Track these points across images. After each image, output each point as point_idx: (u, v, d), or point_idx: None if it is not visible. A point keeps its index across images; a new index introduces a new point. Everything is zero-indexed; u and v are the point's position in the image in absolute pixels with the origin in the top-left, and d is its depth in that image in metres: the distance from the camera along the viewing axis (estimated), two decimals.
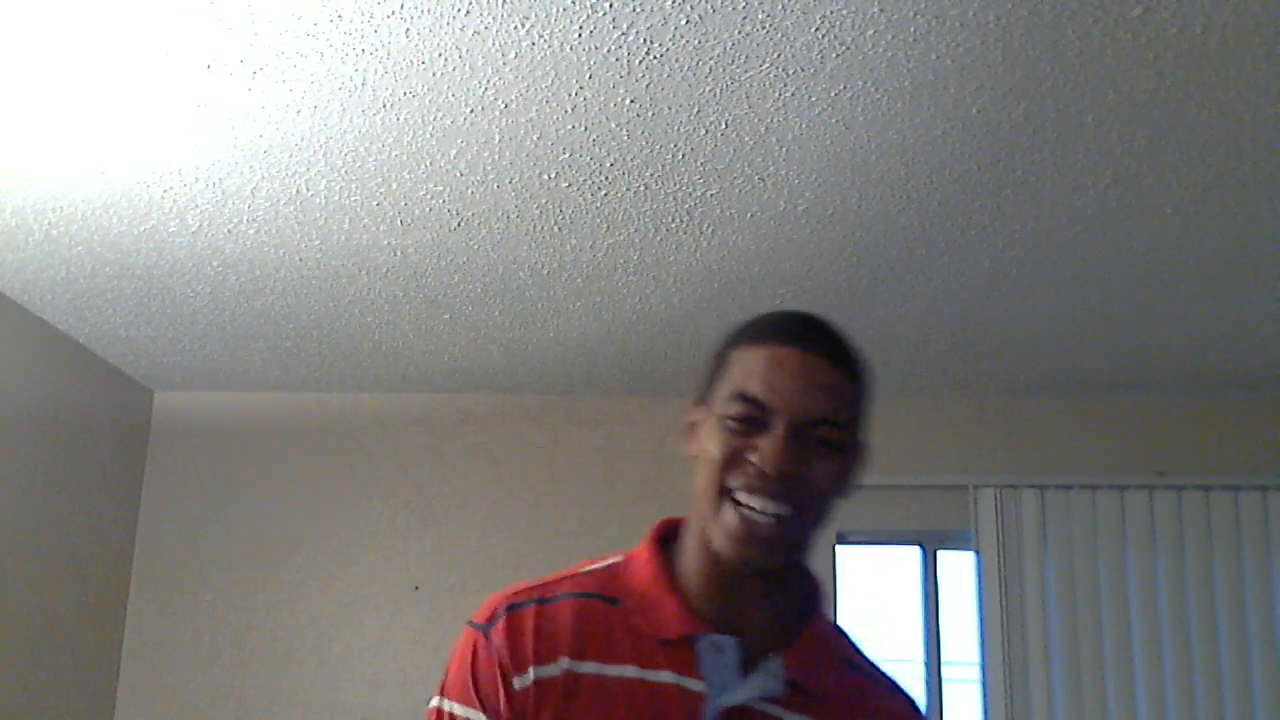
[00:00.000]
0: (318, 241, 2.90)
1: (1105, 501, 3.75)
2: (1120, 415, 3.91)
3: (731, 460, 1.09)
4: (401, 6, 1.98)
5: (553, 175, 2.55)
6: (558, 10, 1.98)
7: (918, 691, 1.23)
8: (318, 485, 4.02)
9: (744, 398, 1.10)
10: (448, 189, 2.62)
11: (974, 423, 3.94)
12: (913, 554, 3.94)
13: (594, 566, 1.21)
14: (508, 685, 1.10)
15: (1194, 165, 2.45)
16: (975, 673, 3.72)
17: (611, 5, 1.97)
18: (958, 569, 3.90)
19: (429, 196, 2.65)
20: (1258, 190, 2.55)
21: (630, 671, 1.10)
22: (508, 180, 2.57)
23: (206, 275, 3.11)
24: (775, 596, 1.15)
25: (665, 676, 1.09)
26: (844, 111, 2.28)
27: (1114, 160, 2.44)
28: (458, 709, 1.12)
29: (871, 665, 1.22)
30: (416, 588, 3.91)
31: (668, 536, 1.22)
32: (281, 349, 3.66)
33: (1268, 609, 3.64)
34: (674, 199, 2.65)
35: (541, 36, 2.05)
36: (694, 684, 1.09)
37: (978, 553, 3.75)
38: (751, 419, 1.09)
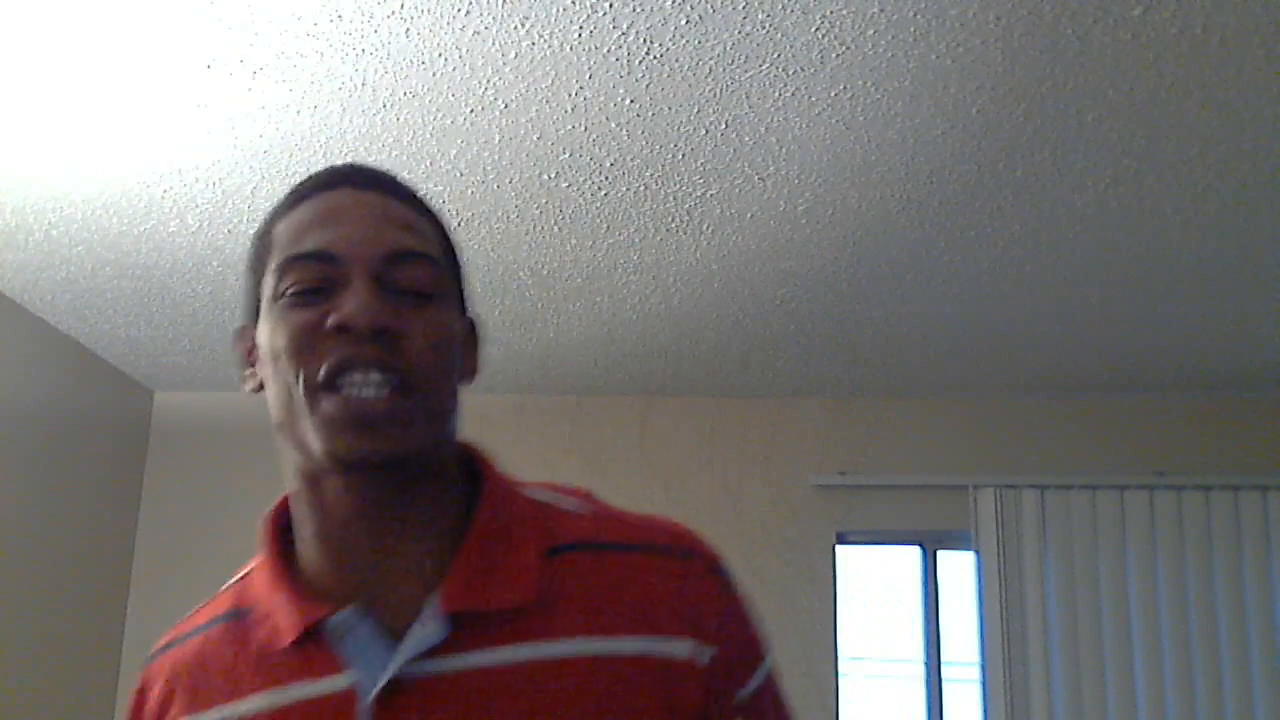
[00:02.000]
0: None
1: (1105, 501, 3.74)
2: (1120, 415, 3.91)
3: (306, 340, 0.84)
4: (401, 6, 1.98)
5: (553, 175, 2.55)
6: (558, 10, 1.98)
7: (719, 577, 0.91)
8: None
9: (299, 259, 0.86)
10: (448, 189, 2.62)
11: (974, 423, 3.95)
12: (913, 554, 3.94)
13: (237, 575, 0.98)
14: None
15: (1194, 165, 2.45)
16: (975, 673, 3.72)
17: (611, 5, 1.97)
18: (958, 569, 3.91)
19: (429, 196, 2.65)
20: (1258, 190, 2.55)
21: (258, 702, 0.86)
22: (508, 180, 2.58)
23: (206, 275, 3.11)
24: (421, 510, 0.87)
25: (300, 690, 0.85)
26: (844, 111, 2.28)
27: (1114, 160, 2.44)
28: None
29: (617, 529, 0.91)
30: None
31: (285, 519, 0.95)
32: None
33: (1268, 609, 3.64)
34: (674, 199, 2.65)
35: (541, 36, 2.05)
36: (338, 683, 0.84)
37: (978, 553, 3.75)
38: (316, 285, 0.85)
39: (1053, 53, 2.07)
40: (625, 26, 2.02)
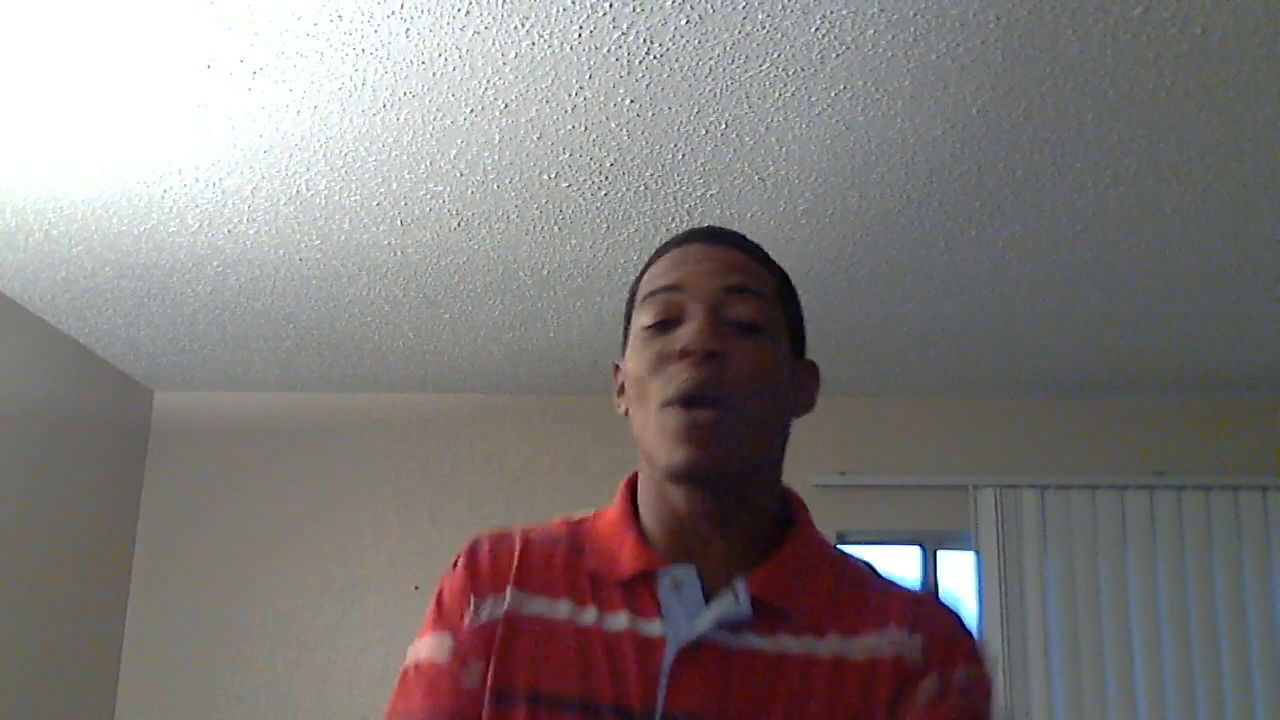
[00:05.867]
0: (318, 241, 2.90)
1: (1105, 501, 3.74)
2: (1120, 415, 3.91)
3: (657, 365, 1.01)
4: (401, 6, 1.98)
5: (553, 175, 2.55)
6: (558, 10, 1.98)
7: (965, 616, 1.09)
8: (318, 485, 4.02)
9: (653, 293, 1.04)
10: (448, 189, 2.62)
11: (974, 423, 3.94)
12: (913, 554, 3.94)
13: (571, 517, 1.15)
14: (476, 605, 1.05)
15: (1194, 165, 2.45)
16: None
17: (611, 5, 1.97)
18: (958, 569, 3.90)
19: (429, 196, 2.65)
20: (1258, 190, 2.55)
21: (579, 614, 1.02)
22: (508, 180, 2.58)
23: (206, 275, 3.11)
24: (739, 518, 1.05)
25: (620, 620, 1.01)
26: (844, 111, 2.28)
27: (1114, 160, 2.44)
28: (424, 646, 1.07)
29: (890, 582, 1.11)
30: (416, 588, 3.90)
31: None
32: (281, 349, 3.66)
33: (1268, 609, 3.64)
34: (674, 199, 2.65)
35: (541, 36, 2.05)
36: (653, 626, 1.00)
37: (978, 553, 3.75)
38: (667, 318, 1.03)
39: (1053, 53, 2.07)
40: (625, 26, 2.02)
